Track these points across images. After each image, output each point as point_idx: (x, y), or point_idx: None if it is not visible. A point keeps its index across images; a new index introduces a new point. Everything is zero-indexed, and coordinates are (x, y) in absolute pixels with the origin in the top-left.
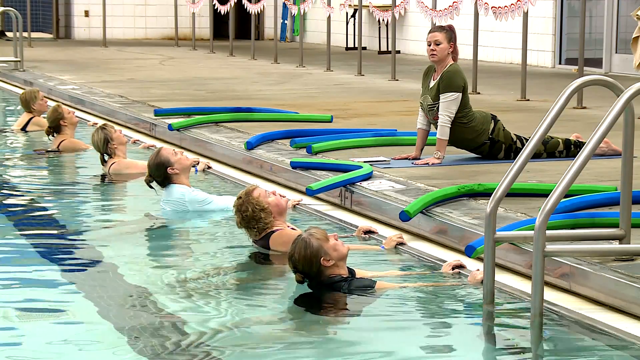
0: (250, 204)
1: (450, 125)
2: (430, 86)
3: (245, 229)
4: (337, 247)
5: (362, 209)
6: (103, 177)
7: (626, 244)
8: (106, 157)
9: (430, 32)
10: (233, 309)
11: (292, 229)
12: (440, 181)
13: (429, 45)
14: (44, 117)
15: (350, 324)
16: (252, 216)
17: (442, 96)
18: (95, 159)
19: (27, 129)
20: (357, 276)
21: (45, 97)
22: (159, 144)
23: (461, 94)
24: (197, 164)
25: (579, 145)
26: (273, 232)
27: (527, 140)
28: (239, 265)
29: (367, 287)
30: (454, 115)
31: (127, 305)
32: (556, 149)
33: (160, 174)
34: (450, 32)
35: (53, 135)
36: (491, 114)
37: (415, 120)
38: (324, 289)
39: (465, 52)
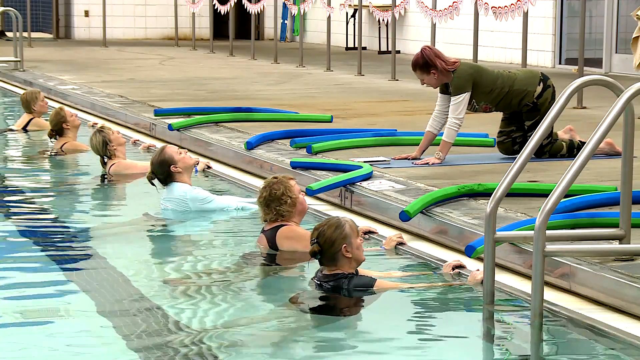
0: (283, 186)
1: (458, 129)
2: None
3: (264, 207)
4: (360, 248)
5: (362, 209)
6: (103, 178)
7: (626, 244)
8: (106, 159)
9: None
10: (232, 308)
11: None
12: (440, 181)
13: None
14: (45, 119)
15: (349, 323)
16: (279, 196)
17: (452, 100)
18: (96, 159)
19: (27, 129)
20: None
21: (46, 98)
22: (159, 144)
23: (469, 92)
24: (197, 163)
25: (582, 148)
26: (283, 225)
27: (573, 143)
28: (238, 265)
29: (366, 285)
30: (462, 117)
31: (126, 304)
32: (558, 152)
33: (163, 171)
34: (423, 64)
35: (55, 138)
36: (541, 75)
37: (415, 120)
38: (323, 285)
39: (465, 52)
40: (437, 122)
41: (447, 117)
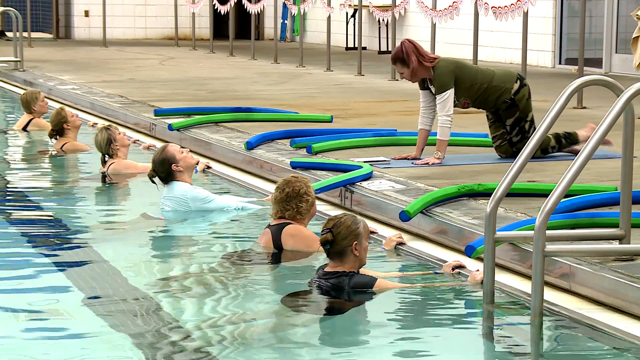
0: (304, 185)
1: (450, 125)
2: (433, 91)
3: (283, 203)
4: (366, 251)
5: (362, 209)
6: (104, 178)
7: (626, 244)
8: (107, 158)
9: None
10: (231, 308)
11: None
12: (440, 181)
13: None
14: (45, 119)
15: (348, 323)
16: (302, 194)
17: (437, 98)
18: (96, 159)
19: (27, 129)
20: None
21: (46, 98)
22: (159, 144)
23: (452, 88)
24: (198, 163)
25: (567, 136)
26: (290, 224)
27: (558, 134)
28: (238, 264)
29: (367, 285)
30: (451, 113)
31: (126, 304)
32: (548, 145)
33: (164, 169)
34: (401, 57)
35: (56, 138)
36: (518, 74)
37: (415, 120)
38: (323, 282)
39: (465, 52)
40: (426, 118)
41: (434, 111)
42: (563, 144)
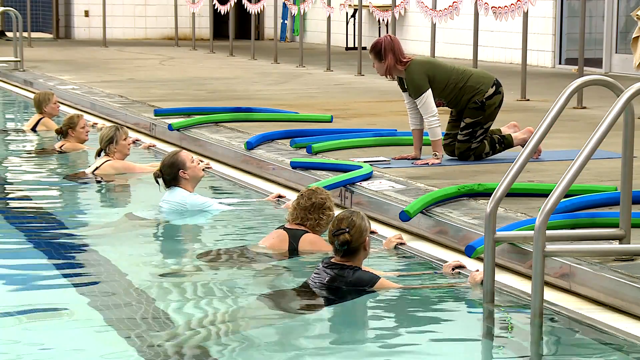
0: (329, 200)
1: (439, 124)
2: (409, 91)
3: (303, 209)
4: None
5: (362, 209)
6: (100, 178)
7: (626, 244)
8: (102, 154)
9: None
10: (231, 307)
11: None
12: (440, 181)
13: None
14: (55, 121)
15: (349, 322)
16: (323, 207)
17: (417, 102)
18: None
19: (36, 129)
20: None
21: (58, 102)
22: (159, 144)
23: (429, 89)
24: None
25: (502, 141)
26: (308, 232)
27: (493, 139)
28: (237, 264)
29: (369, 281)
30: (436, 112)
31: (125, 304)
32: (483, 152)
33: (171, 172)
34: (377, 50)
35: (59, 138)
36: (496, 80)
37: None
38: (326, 271)
39: (465, 52)
40: (414, 117)
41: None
42: (497, 149)
